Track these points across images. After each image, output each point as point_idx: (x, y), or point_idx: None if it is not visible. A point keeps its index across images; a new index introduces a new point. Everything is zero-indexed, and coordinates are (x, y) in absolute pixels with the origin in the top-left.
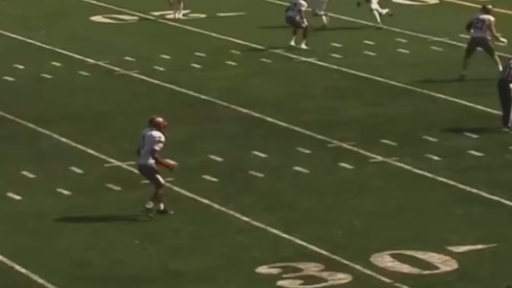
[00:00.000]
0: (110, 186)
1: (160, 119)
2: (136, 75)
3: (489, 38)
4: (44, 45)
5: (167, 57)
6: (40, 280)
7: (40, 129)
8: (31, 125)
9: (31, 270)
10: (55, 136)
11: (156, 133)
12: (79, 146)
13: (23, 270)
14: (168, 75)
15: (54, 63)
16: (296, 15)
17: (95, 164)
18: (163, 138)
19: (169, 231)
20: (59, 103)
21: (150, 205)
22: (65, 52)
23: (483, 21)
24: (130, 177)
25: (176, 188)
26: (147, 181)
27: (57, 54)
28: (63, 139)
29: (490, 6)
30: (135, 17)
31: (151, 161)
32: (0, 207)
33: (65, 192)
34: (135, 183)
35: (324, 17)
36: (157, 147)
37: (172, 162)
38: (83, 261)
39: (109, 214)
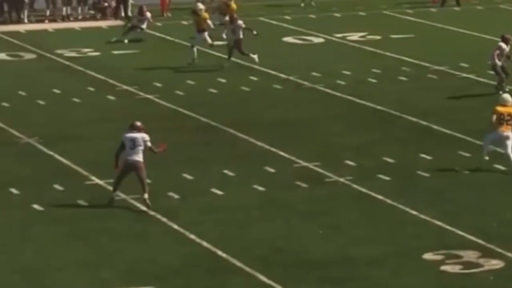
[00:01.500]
0: (299, 183)
1: (139, 123)
2: (321, 88)
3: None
4: (243, 62)
5: (348, 73)
6: (239, 264)
7: (239, 134)
8: (231, 130)
9: (231, 255)
10: (252, 140)
11: (143, 134)
12: (272, 148)
13: (224, 255)
14: (349, 88)
15: (251, 77)
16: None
17: (285, 164)
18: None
19: (349, 222)
20: (255, 112)
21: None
22: (261, 68)
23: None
24: (317, 175)
25: (355, 186)
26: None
27: (254, 70)
28: (259, 143)
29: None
30: (321, 39)
31: (142, 159)
32: (205, 201)
33: (260, 188)
34: (321, 180)
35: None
36: (150, 143)
37: (162, 146)
38: (276, 247)
39: (298, 207)
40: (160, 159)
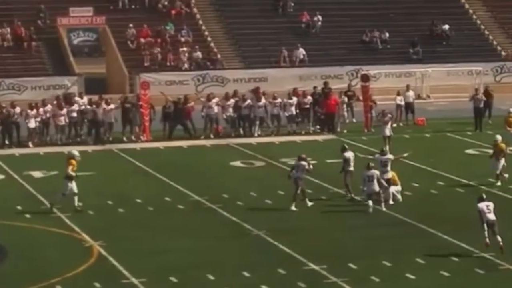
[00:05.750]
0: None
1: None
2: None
3: None
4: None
5: None
6: None
7: (428, 229)
8: (422, 226)
9: None
10: (439, 234)
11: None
12: (455, 241)
13: None
14: None
15: (439, 182)
16: None
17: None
18: None
19: None
20: (439, 209)
21: None
22: (446, 175)
23: None
24: None
25: None
26: None
27: (441, 176)
28: (445, 236)
29: None
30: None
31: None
32: (399, 284)
33: (446, 274)
34: None
35: None
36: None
37: None
38: None
39: None
40: (367, 251)
